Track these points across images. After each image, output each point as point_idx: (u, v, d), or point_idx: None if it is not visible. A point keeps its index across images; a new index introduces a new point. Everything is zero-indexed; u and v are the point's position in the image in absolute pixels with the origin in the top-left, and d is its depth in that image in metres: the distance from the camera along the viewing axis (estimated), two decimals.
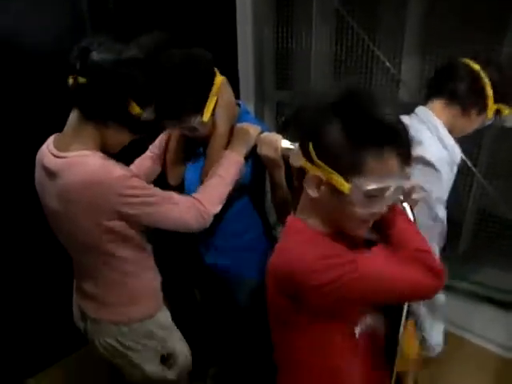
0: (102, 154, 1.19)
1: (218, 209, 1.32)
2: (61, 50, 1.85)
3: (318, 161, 0.88)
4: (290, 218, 1.04)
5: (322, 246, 0.94)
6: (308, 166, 0.91)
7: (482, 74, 1.39)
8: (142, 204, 1.20)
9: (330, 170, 0.87)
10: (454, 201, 1.47)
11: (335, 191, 0.88)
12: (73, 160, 1.16)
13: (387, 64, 2.38)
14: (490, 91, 1.38)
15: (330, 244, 0.95)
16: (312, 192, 0.92)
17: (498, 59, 1.45)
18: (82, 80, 1.12)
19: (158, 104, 1.22)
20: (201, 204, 1.28)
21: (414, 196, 1.08)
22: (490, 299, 2.45)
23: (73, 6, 1.96)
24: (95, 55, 1.11)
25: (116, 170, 1.16)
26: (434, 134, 1.41)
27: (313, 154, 0.88)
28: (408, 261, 0.94)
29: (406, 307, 1.14)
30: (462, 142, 1.46)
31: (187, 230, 1.30)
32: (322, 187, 0.90)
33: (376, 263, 0.93)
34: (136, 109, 1.17)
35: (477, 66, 1.41)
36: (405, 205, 1.07)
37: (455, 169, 1.45)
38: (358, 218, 0.92)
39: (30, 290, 2.17)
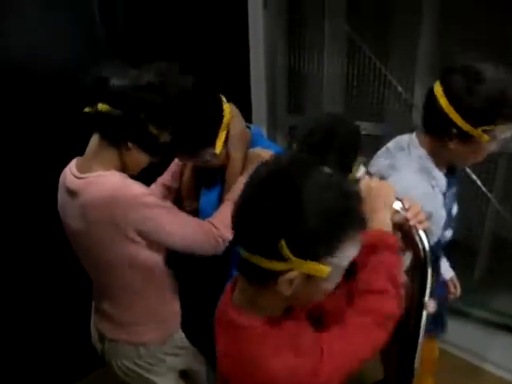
0: (119, 173, 1.22)
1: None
2: (73, 66, 1.92)
3: (294, 258, 0.75)
4: (233, 313, 0.88)
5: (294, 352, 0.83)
6: (281, 266, 0.76)
7: (438, 93, 1.19)
8: (159, 222, 1.21)
9: (307, 262, 0.76)
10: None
11: (310, 279, 0.78)
12: (92, 179, 1.19)
13: (399, 88, 2.38)
14: (451, 113, 1.17)
15: (294, 339, 0.85)
16: (286, 290, 0.79)
17: (477, 68, 1.15)
18: (101, 107, 1.16)
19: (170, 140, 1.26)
20: (215, 227, 1.28)
21: (424, 226, 1.06)
22: (507, 327, 2.40)
23: (86, 23, 2.00)
24: (113, 82, 1.15)
25: (134, 187, 1.19)
26: (413, 163, 1.30)
27: (287, 251, 0.74)
28: (368, 323, 0.91)
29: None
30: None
31: (202, 252, 1.30)
32: (296, 281, 0.78)
33: (343, 350, 0.87)
34: (155, 131, 1.21)
35: (438, 86, 1.20)
36: (421, 232, 1.06)
37: (440, 198, 1.32)
38: (328, 290, 0.85)
39: (48, 310, 2.18)
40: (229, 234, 1.30)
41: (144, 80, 1.17)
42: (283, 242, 0.73)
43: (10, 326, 2.08)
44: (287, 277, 0.76)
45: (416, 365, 1.17)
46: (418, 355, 1.16)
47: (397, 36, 2.43)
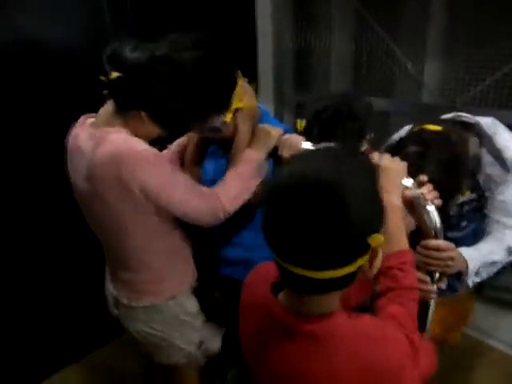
0: (125, 130, 1.23)
1: (234, 205, 1.31)
2: (82, 46, 1.92)
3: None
4: (301, 323, 0.82)
5: None
6: (366, 258, 0.77)
7: None
8: (162, 180, 1.21)
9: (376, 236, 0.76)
10: None
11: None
12: (99, 138, 1.20)
13: (409, 66, 2.35)
14: None
15: None
16: (372, 273, 0.82)
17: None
18: (116, 75, 1.17)
19: (182, 106, 1.25)
20: (218, 197, 1.28)
21: (438, 202, 1.06)
22: None
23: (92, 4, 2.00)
24: (129, 53, 1.17)
25: (139, 144, 1.20)
26: None
27: (375, 240, 0.74)
28: None
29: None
30: None
31: (200, 222, 1.30)
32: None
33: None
34: (169, 103, 1.22)
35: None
36: (431, 208, 1.05)
37: None
38: None
39: (60, 280, 2.23)
40: (231, 205, 1.30)
41: (159, 52, 1.18)
42: (370, 236, 0.72)
43: (22, 298, 2.13)
44: (378, 260, 0.79)
45: (428, 325, 1.20)
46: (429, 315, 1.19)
47: (407, 12, 2.37)
